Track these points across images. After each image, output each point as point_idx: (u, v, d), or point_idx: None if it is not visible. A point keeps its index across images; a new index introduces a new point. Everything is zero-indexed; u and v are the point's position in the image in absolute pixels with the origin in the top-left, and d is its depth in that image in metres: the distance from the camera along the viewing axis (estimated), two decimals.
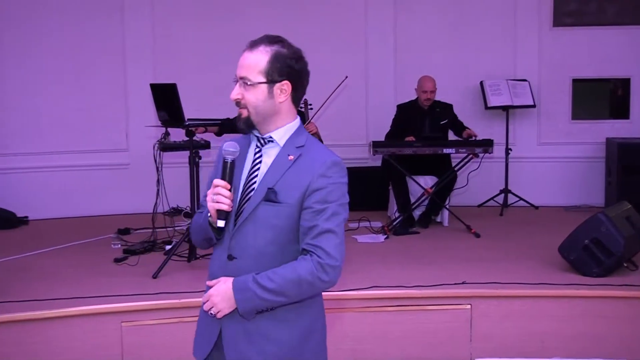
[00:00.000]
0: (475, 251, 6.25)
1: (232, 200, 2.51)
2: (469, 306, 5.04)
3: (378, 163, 7.80)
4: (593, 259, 5.33)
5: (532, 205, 8.15)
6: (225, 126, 6.57)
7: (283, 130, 2.56)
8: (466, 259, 5.95)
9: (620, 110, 8.45)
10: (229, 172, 2.52)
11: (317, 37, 8.24)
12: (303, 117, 6.82)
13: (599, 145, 8.23)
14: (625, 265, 5.49)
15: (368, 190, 8.09)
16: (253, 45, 2.56)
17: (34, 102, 7.85)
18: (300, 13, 8.29)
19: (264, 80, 2.50)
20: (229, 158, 2.52)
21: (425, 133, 7.28)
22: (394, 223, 7.09)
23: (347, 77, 6.95)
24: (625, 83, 8.38)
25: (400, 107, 7.58)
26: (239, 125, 2.58)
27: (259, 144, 2.59)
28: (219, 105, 7.22)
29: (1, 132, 7.81)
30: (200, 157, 6.04)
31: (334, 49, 8.31)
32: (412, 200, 7.23)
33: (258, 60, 2.51)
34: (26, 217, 7.66)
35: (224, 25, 8.15)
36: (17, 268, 5.77)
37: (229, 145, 2.53)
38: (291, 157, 2.51)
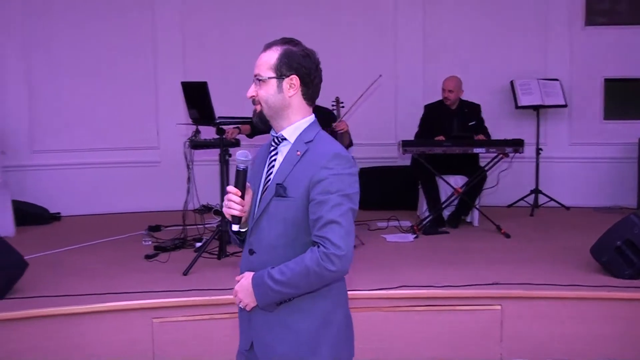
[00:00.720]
0: (506, 252, 6.22)
1: (250, 203, 2.66)
2: (499, 307, 5.01)
3: (407, 162, 7.79)
4: (625, 260, 5.27)
5: (563, 205, 8.09)
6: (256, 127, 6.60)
7: (293, 127, 2.66)
8: (496, 259, 5.92)
9: None
10: (241, 179, 2.64)
11: (347, 37, 8.30)
12: (333, 115, 6.82)
13: (631, 146, 8.14)
14: None
15: (397, 189, 8.11)
16: (267, 46, 2.75)
17: (66, 100, 7.96)
18: (330, 12, 8.33)
19: (273, 75, 2.65)
20: (241, 166, 2.64)
21: (454, 133, 7.24)
22: (424, 222, 7.07)
23: (380, 76, 6.94)
24: None
25: (428, 107, 7.56)
26: (254, 120, 2.72)
27: (273, 143, 2.69)
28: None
29: (34, 129, 7.92)
30: (230, 155, 6.07)
31: (364, 48, 8.35)
32: (442, 199, 7.21)
33: (270, 57, 2.68)
34: (58, 213, 7.76)
35: (254, 22, 8.20)
36: (49, 264, 5.85)
37: (240, 154, 2.65)
38: (299, 152, 2.61)
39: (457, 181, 7.21)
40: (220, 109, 5.99)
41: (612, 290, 5.04)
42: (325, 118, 6.79)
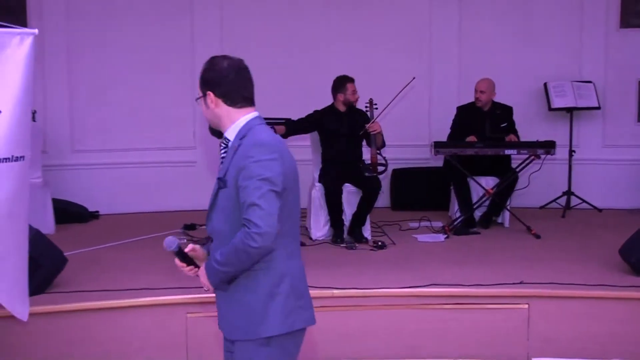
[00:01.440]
0: (535, 252, 6.28)
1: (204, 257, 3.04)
2: (526, 306, 5.08)
3: (440, 163, 7.85)
4: None
5: (595, 207, 8.10)
6: (290, 127, 6.75)
7: (233, 128, 2.98)
8: (525, 259, 5.99)
9: None
10: (180, 255, 3.01)
11: (381, 38, 8.39)
12: (366, 116, 6.91)
13: None
14: None
15: (429, 190, 8.19)
16: None
17: (106, 101, 8.15)
18: (365, 14, 8.42)
19: (199, 96, 3.01)
20: (170, 249, 2.96)
21: (487, 134, 7.29)
22: (455, 223, 7.14)
23: (414, 78, 7.02)
24: None
25: (460, 109, 7.62)
26: (211, 133, 3.21)
27: (223, 145, 3.01)
28: (283, 105, 7.43)
29: (75, 129, 8.13)
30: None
31: (398, 50, 8.42)
32: (473, 200, 7.27)
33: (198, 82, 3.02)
34: (97, 211, 7.95)
35: (290, 25, 8.34)
36: (88, 260, 6.01)
37: (167, 244, 2.96)
38: (235, 147, 2.91)
39: (489, 182, 7.26)
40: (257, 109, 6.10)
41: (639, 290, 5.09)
42: (360, 119, 6.91)
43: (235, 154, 2.87)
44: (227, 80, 2.95)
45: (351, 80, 6.89)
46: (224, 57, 3.00)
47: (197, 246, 3.05)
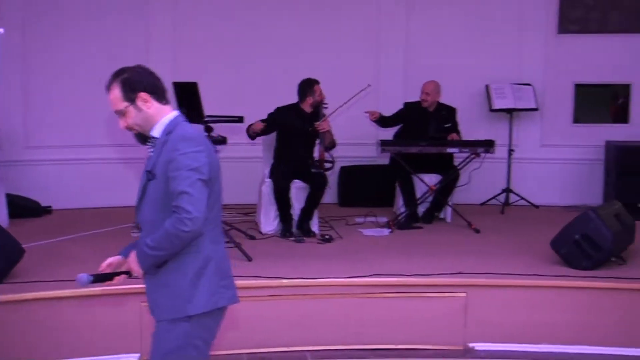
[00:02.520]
0: (474, 245, 6.61)
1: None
2: (464, 294, 5.39)
3: (386, 161, 8.12)
4: (583, 253, 5.66)
5: (532, 204, 8.48)
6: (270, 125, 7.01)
7: (159, 126, 3.18)
8: (464, 251, 6.30)
9: (621, 115, 8.76)
10: (101, 279, 3.25)
11: (333, 40, 8.65)
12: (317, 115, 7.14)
13: (599, 148, 8.56)
14: (613, 259, 5.82)
15: (376, 187, 8.46)
16: (107, 87, 3.25)
17: (60, 98, 8.24)
18: (317, 16, 8.67)
19: (127, 104, 3.18)
20: (87, 282, 3.17)
21: (430, 134, 7.61)
22: (399, 218, 7.44)
23: (369, 85, 7.27)
24: (626, 89, 8.70)
25: (407, 105, 7.93)
26: (138, 141, 3.47)
27: (150, 143, 3.21)
28: (235, 104, 7.65)
29: (30, 125, 8.22)
30: (217, 152, 6.40)
31: (349, 51, 8.67)
32: (417, 196, 7.58)
33: (115, 94, 3.20)
34: (50, 206, 8.06)
35: (244, 26, 8.55)
36: (43, 253, 6.12)
37: (80, 283, 3.16)
38: (162, 142, 3.11)
39: (432, 179, 7.56)
40: (209, 108, 6.32)
41: (568, 280, 5.43)
42: (300, 116, 7.15)
43: (163, 148, 3.07)
44: (150, 79, 3.24)
45: (318, 82, 7.16)
46: (128, 67, 3.27)
47: (110, 259, 3.29)
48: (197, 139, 3.08)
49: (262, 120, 7.06)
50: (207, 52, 8.53)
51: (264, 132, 7.05)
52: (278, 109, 7.13)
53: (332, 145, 7.19)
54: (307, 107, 7.14)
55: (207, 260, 3.12)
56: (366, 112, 7.68)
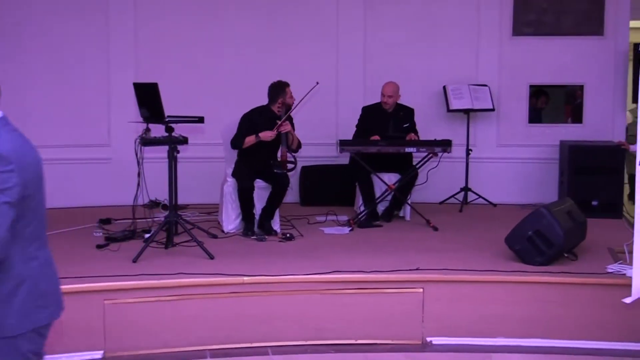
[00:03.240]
0: (432, 242, 6.75)
1: None
2: (421, 290, 5.53)
3: (347, 161, 8.25)
4: (536, 249, 5.83)
5: (490, 202, 8.67)
6: (236, 144, 7.08)
7: None
8: (422, 248, 6.44)
9: (575, 115, 8.99)
10: None
11: (291, 40, 8.76)
12: (276, 116, 7.24)
13: (553, 148, 8.77)
14: (566, 255, 6.01)
15: (336, 186, 8.58)
16: None
17: (21, 98, 8.22)
18: (276, 16, 8.77)
19: None
20: None
21: (389, 134, 7.75)
22: (359, 216, 7.57)
23: (317, 83, 7.29)
24: (579, 90, 8.93)
25: (365, 109, 8.06)
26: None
27: None
28: (198, 103, 7.73)
29: None
30: (178, 152, 6.50)
31: (307, 51, 8.78)
32: (377, 195, 7.72)
33: None
34: None
35: (204, 24, 8.64)
36: None
37: None
38: None
39: (391, 178, 7.70)
40: (169, 108, 6.39)
41: (522, 275, 5.60)
42: (270, 118, 7.24)
43: None
44: None
45: (288, 84, 7.27)
46: None
47: None
48: (8, 156, 2.76)
49: (241, 124, 7.14)
50: (167, 53, 8.60)
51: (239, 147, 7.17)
52: (252, 110, 7.22)
53: (298, 146, 7.29)
54: (276, 109, 7.22)
55: (19, 282, 2.90)
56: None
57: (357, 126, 8.03)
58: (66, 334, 5.12)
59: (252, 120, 7.16)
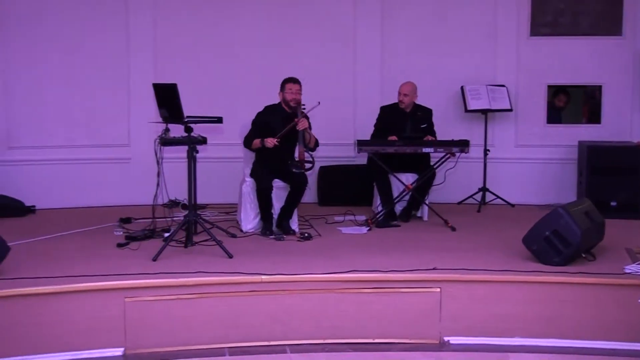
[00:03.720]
0: (450, 242, 6.76)
1: None
2: (438, 289, 5.55)
3: (364, 161, 8.28)
4: (553, 249, 5.83)
5: (508, 203, 8.68)
6: (248, 141, 7.11)
7: None
8: (440, 248, 6.46)
9: (593, 115, 8.98)
10: None
11: (308, 40, 8.80)
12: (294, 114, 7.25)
13: (572, 148, 8.76)
14: (583, 255, 6.00)
15: (354, 186, 8.62)
16: None
17: (43, 98, 8.38)
18: (294, 21, 8.84)
19: None
20: None
21: (406, 134, 7.77)
22: (377, 216, 7.60)
23: (319, 103, 7.13)
24: (597, 90, 8.91)
25: (383, 109, 8.09)
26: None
27: None
28: (217, 104, 7.80)
29: (12, 126, 8.33)
30: (197, 152, 6.55)
31: (324, 52, 8.84)
32: (394, 195, 7.74)
33: None
34: (33, 206, 8.16)
35: (223, 26, 8.72)
36: (27, 251, 6.24)
37: None
38: None
39: (409, 178, 7.72)
40: (189, 109, 6.45)
41: (539, 275, 5.60)
42: (283, 117, 7.28)
43: None
44: None
45: (293, 80, 7.23)
46: None
47: None
48: None
49: (253, 123, 7.20)
50: (186, 54, 8.67)
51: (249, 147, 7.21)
52: (265, 108, 7.27)
53: (315, 145, 7.30)
54: (285, 105, 7.26)
55: None
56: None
57: (375, 126, 8.07)
58: (87, 331, 5.20)
59: (265, 119, 7.21)
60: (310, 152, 7.23)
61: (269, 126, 7.14)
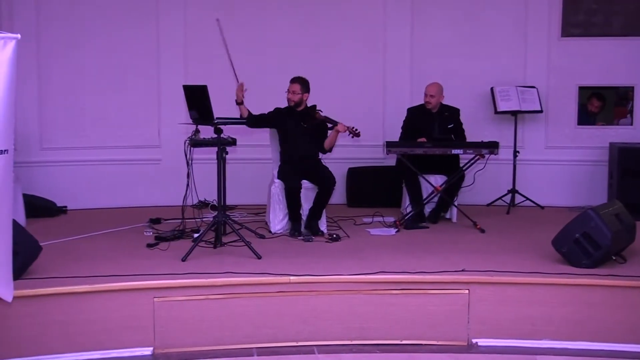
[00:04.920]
0: (478, 244, 6.74)
1: None
2: (467, 291, 5.54)
3: (393, 163, 8.29)
4: (583, 251, 5.80)
5: (538, 205, 8.62)
6: (251, 119, 7.14)
7: None
8: (469, 250, 6.45)
9: (625, 116, 8.89)
10: None
11: (338, 41, 8.83)
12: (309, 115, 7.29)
13: (603, 150, 8.69)
14: (614, 258, 5.95)
15: (383, 187, 8.63)
16: None
17: (75, 100, 8.49)
18: (323, 21, 8.86)
19: None
20: None
21: (435, 135, 7.77)
22: (405, 218, 7.59)
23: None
24: (630, 91, 8.83)
25: (411, 110, 8.10)
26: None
27: None
28: (246, 104, 7.82)
29: (45, 127, 8.45)
30: (227, 153, 6.60)
31: (353, 53, 8.86)
32: (423, 197, 7.73)
33: None
34: (65, 206, 8.26)
35: (251, 27, 8.76)
36: (59, 251, 6.33)
37: None
38: None
39: (438, 180, 7.70)
40: (219, 110, 6.50)
41: (569, 277, 5.57)
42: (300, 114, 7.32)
43: None
44: None
45: (291, 80, 7.31)
46: None
47: None
48: None
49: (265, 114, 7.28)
50: (215, 55, 8.68)
51: (252, 125, 7.25)
52: (275, 109, 7.35)
53: (330, 149, 7.36)
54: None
55: None
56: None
57: (402, 128, 8.07)
58: (117, 331, 5.26)
59: (280, 116, 7.31)
60: (322, 153, 7.30)
61: (283, 122, 7.23)
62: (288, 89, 7.27)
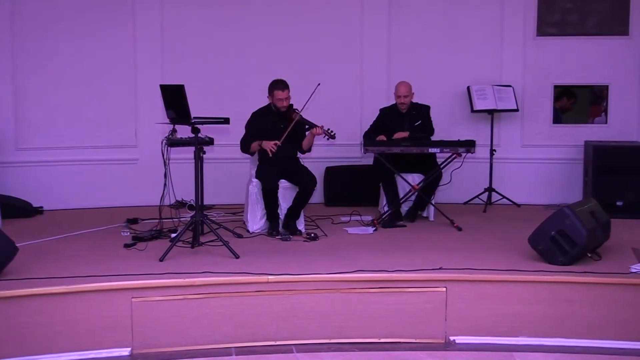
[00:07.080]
0: (455, 242, 6.78)
1: None
2: (444, 289, 5.57)
3: (371, 161, 8.29)
4: (559, 248, 5.84)
5: (514, 203, 8.68)
6: (245, 146, 7.17)
7: None
8: (446, 248, 6.48)
9: (599, 115, 8.98)
10: None
11: (315, 42, 8.83)
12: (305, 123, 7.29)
13: (578, 148, 8.77)
14: (589, 255, 6.01)
15: (361, 186, 8.64)
16: None
17: (51, 100, 8.43)
18: (301, 22, 8.88)
19: None
20: None
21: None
22: (383, 216, 7.62)
23: (319, 84, 7.21)
24: (604, 90, 8.92)
25: (382, 110, 8.13)
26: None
27: None
28: (223, 105, 7.83)
29: (20, 127, 8.38)
30: (204, 152, 6.59)
31: (331, 53, 8.88)
32: (400, 195, 7.76)
33: None
34: (41, 207, 8.20)
35: (229, 26, 8.76)
36: (35, 251, 6.28)
37: None
38: None
39: (415, 179, 7.74)
40: (195, 110, 6.48)
41: (545, 274, 5.61)
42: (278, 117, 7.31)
43: None
44: None
45: (281, 87, 7.22)
46: None
47: None
48: None
49: (248, 124, 7.24)
50: (193, 55, 8.71)
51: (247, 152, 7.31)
52: (252, 115, 7.32)
53: (309, 149, 7.37)
54: (275, 109, 7.30)
55: None
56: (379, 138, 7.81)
57: (371, 126, 8.09)
58: (94, 331, 5.23)
59: (259, 120, 7.28)
60: (302, 153, 7.31)
61: (264, 127, 7.21)
62: (281, 97, 7.19)
